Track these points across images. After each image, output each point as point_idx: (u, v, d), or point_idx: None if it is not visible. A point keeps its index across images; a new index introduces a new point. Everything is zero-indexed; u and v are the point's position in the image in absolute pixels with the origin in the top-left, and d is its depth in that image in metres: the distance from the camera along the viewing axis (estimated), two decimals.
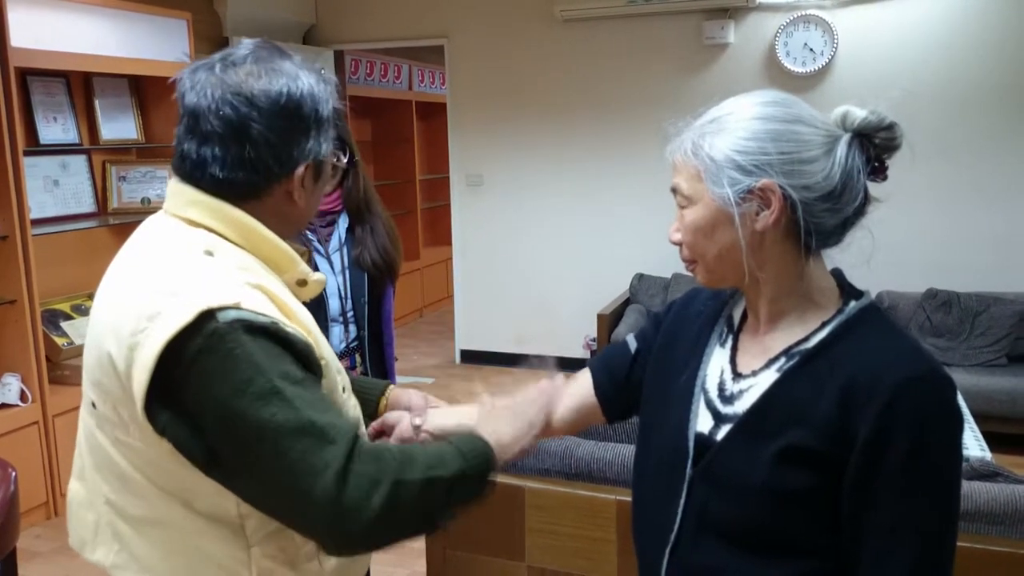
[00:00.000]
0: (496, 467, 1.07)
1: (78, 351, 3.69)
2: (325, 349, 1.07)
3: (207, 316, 0.93)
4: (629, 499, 1.19)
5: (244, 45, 1.08)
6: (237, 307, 0.94)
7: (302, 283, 1.13)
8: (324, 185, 1.15)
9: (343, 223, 2.14)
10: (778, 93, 1.02)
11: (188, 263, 1.01)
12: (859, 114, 0.98)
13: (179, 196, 1.07)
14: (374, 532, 0.93)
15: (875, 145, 0.99)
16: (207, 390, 0.93)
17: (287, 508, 0.96)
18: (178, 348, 0.93)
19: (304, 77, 1.06)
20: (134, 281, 1.02)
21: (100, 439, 1.05)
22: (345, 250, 2.13)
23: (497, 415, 1.17)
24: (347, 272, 2.13)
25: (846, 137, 0.98)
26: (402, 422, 1.30)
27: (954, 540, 0.96)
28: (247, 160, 1.04)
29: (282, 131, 1.04)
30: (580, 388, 1.28)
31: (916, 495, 0.92)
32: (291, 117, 1.05)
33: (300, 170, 1.07)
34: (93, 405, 1.05)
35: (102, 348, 1.00)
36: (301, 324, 1.03)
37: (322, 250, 2.09)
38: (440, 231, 7.81)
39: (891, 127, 0.98)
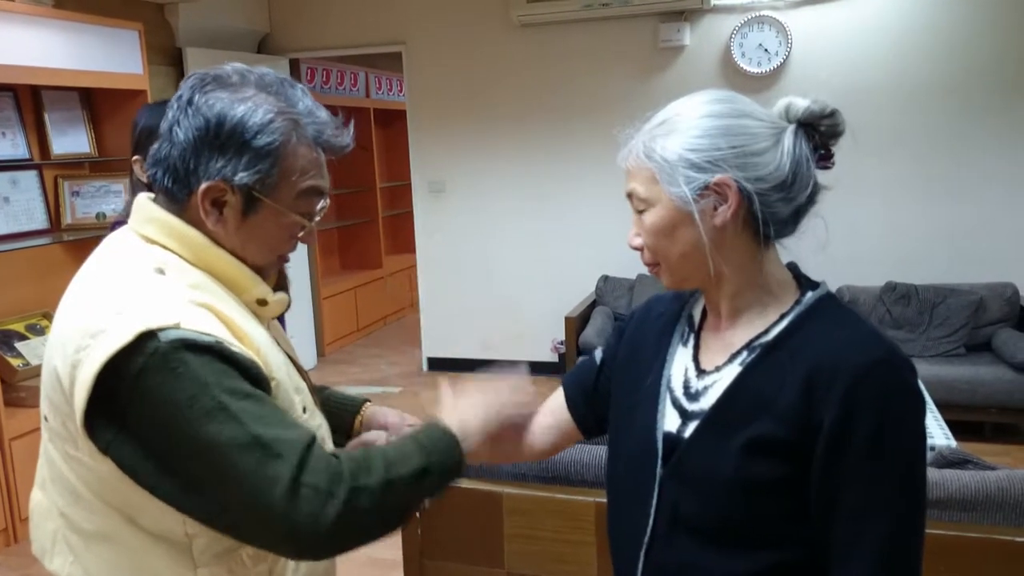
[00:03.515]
0: (463, 455, 1.05)
1: (34, 372, 3.57)
2: (277, 370, 1.06)
3: (147, 336, 0.92)
4: (606, 502, 1.18)
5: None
6: (177, 327, 0.93)
7: (262, 303, 1.11)
8: (264, 225, 1.07)
9: None
10: (721, 91, 1.04)
11: (136, 281, 1.00)
12: (801, 104, 1.01)
13: (139, 212, 1.08)
14: (333, 541, 0.93)
15: (820, 133, 1.02)
16: (152, 409, 0.92)
17: (240, 523, 0.95)
18: (119, 367, 0.92)
19: (254, 107, 1.02)
20: (84, 297, 1.01)
21: (52, 453, 1.05)
22: None
23: (464, 404, 1.15)
24: None
25: (791, 127, 1.00)
26: (379, 441, 1.29)
27: (922, 521, 0.97)
28: (170, 162, 1.04)
29: (196, 140, 1.02)
30: (555, 406, 1.29)
31: (882, 477, 0.93)
32: (210, 130, 1.02)
33: (203, 187, 1.03)
34: (46, 419, 1.05)
35: (51, 363, 1.00)
36: (251, 344, 1.02)
37: None
38: (403, 239, 7.76)
39: (833, 114, 1.01)
